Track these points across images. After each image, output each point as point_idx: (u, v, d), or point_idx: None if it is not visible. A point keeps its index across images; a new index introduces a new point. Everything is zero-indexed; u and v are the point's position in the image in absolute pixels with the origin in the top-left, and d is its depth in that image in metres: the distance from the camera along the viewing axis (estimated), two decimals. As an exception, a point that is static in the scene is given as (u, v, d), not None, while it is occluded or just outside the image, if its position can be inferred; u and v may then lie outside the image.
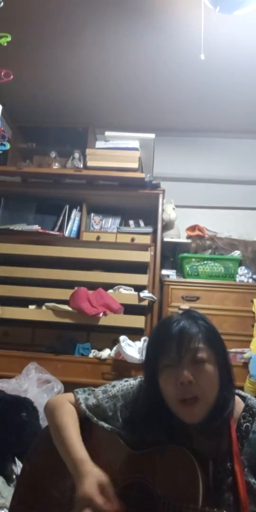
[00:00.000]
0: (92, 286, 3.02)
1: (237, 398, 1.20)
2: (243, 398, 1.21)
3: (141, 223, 3.45)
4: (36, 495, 1.23)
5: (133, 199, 3.38)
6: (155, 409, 1.16)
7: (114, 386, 1.29)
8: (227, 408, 1.13)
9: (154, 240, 3.25)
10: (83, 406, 1.25)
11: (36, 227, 3.26)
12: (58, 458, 1.21)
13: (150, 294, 3.03)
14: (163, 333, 1.17)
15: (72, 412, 1.25)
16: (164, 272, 3.26)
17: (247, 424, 1.16)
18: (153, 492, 1.08)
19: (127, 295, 3.06)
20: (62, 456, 1.19)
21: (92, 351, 2.87)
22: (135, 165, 3.25)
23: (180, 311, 1.26)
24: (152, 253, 3.19)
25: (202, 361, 1.11)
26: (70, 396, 1.30)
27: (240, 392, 1.24)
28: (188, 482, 1.05)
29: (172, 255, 3.51)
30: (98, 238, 3.26)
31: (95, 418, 1.23)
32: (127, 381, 1.30)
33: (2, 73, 2.20)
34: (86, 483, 1.09)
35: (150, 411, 1.19)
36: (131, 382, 1.29)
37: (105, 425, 1.22)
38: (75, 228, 3.35)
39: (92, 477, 1.10)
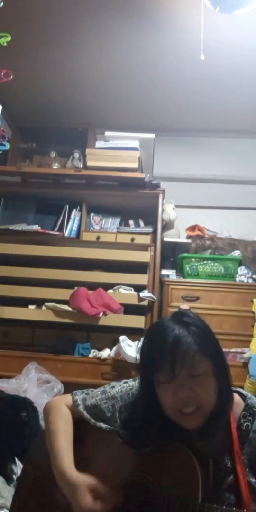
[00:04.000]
0: (92, 286, 3.02)
1: (237, 397, 1.20)
2: (243, 397, 1.21)
3: (141, 223, 3.45)
4: (37, 496, 1.23)
5: (133, 199, 3.38)
6: (153, 413, 1.16)
7: (113, 387, 1.28)
8: (226, 411, 1.13)
9: (154, 240, 3.25)
10: (81, 408, 1.24)
11: (36, 227, 3.26)
12: None
13: (150, 294, 3.03)
14: (155, 345, 1.12)
15: (66, 416, 1.24)
16: (164, 272, 3.26)
17: (248, 423, 1.16)
18: (153, 490, 1.08)
19: (127, 295, 3.05)
20: (52, 461, 1.17)
21: (92, 351, 2.88)
22: (135, 165, 3.25)
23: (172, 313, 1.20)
24: (152, 253, 3.19)
25: (199, 375, 1.08)
26: (67, 398, 1.29)
27: (241, 390, 1.24)
28: (188, 480, 1.05)
29: (172, 255, 3.51)
30: (98, 238, 3.26)
31: (93, 421, 1.22)
32: (126, 382, 1.29)
33: (2, 73, 2.20)
34: (78, 497, 1.07)
35: (149, 415, 1.18)
36: (131, 384, 1.28)
37: (104, 425, 1.22)
38: (75, 228, 3.35)
39: (81, 486, 1.08)
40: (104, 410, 1.23)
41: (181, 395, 1.07)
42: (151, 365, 1.12)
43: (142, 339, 1.20)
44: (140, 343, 1.18)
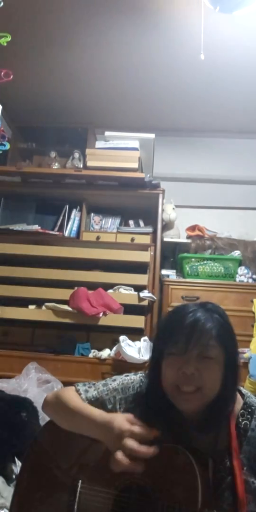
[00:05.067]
0: (92, 286, 3.02)
1: (236, 395, 1.19)
2: (242, 395, 1.21)
3: (141, 223, 3.45)
4: (39, 492, 1.23)
5: (133, 199, 3.38)
6: (154, 399, 1.16)
7: (114, 380, 1.29)
8: (226, 408, 1.12)
9: (154, 240, 3.25)
10: (83, 396, 1.25)
11: (36, 227, 3.26)
12: (59, 454, 1.21)
13: (150, 294, 3.03)
14: (175, 320, 1.14)
15: (76, 394, 1.26)
16: (164, 272, 3.26)
17: (246, 422, 1.15)
18: (152, 493, 1.08)
19: (127, 295, 3.06)
20: (79, 427, 1.19)
21: (92, 351, 2.88)
22: (135, 165, 3.25)
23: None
24: (152, 253, 3.19)
25: (209, 358, 1.09)
26: (70, 387, 1.30)
27: (240, 388, 1.23)
28: (187, 482, 1.04)
29: (172, 255, 3.51)
30: (98, 238, 3.26)
31: None
32: (128, 375, 1.30)
33: (2, 73, 2.20)
34: (115, 422, 1.09)
35: (149, 403, 1.18)
36: (132, 377, 1.28)
37: None
38: (75, 228, 3.35)
39: (118, 416, 1.11)
40: (105, 401, 1.23)
41: (186, 370, 1.08)
42: (167, 335, 1.14)
43: (162, 317, 1.22)
44: (159, 322, 1.21)
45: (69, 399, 1.23)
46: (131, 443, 1.05)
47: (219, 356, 1.10)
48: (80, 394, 1.26)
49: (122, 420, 1.10)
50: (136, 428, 1.08)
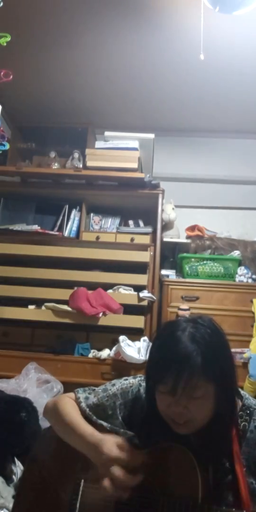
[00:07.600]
0: (92, 286, 3.02)
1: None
2: (241, 397, 1.21)
3: (141, 223, 3.45)
4: (40, 495, 1.23)
5: (133, 199, 3.38)
6: (153, 412, 1.17)
7: (114, 385, 1.29)
8: (223, 427, 1.13)
9: (153, 240, 3.25)
10: (83, 404, 1.25)
11: (35, 227, 3.27)
12: (62, 457, 1.22)
13: (149, 294, 3.03)
14: (164, 357, 1.10)
15: (74, 404, 1.27)
16: (163, 272, 3.26)
17: (245, 423, 1.16)
18: (153, 491, 1.08)
19: (126, 295, 3.05)
20: (71, 441, 1.20)
21: (92, 351, 2.88)
22: (135, 165, 3.25)
23: (184, 319, 1.18)
24: (151, 253, 3.19)
25: (197, 398, 1.07)
26: (70, 394, 1.31)
27: (238, 390, 1.23)
28: (188, 480, 1.06)
29: (171, 255, 3.51)
30: (97, 238, 3.26)
31: (94, 417, 1.23)
32: (127, 379, 1.30)
33: (2, 73, 2.20)
34: (105, 448, 1.11)
35: (149, 413, 1.19)
36: (131, 381, 1.29)
37: (105, 423, 1.22)
38: (74, 228, 3.35)
39: (108, 440, 1.12)
40: (106, 407, 1.24)
41: (175, 409, 1.09)
42: (155, 375, 1.13)
43: (153, 340, 1.21)
44: (150, 345, 1.21)
45: (65, 412, 1.24)
46: (117, 472, 1.07)
47: (208, 391, 1.08)
48: (80, 402, 1.26)
49: (111, 445, 1.12)
50: (124, 455, 1.10)
